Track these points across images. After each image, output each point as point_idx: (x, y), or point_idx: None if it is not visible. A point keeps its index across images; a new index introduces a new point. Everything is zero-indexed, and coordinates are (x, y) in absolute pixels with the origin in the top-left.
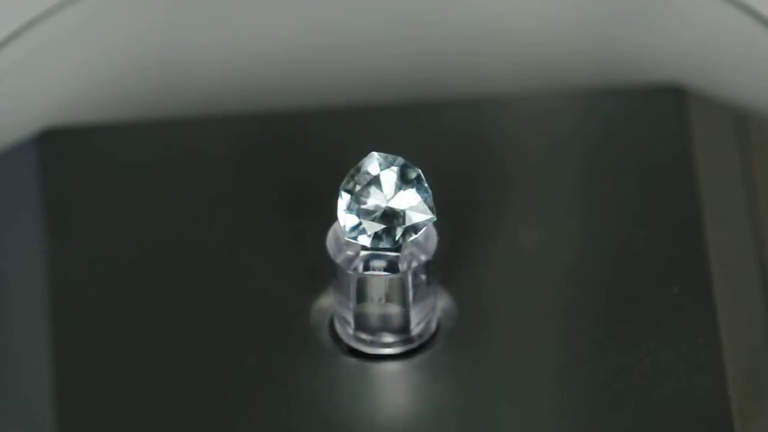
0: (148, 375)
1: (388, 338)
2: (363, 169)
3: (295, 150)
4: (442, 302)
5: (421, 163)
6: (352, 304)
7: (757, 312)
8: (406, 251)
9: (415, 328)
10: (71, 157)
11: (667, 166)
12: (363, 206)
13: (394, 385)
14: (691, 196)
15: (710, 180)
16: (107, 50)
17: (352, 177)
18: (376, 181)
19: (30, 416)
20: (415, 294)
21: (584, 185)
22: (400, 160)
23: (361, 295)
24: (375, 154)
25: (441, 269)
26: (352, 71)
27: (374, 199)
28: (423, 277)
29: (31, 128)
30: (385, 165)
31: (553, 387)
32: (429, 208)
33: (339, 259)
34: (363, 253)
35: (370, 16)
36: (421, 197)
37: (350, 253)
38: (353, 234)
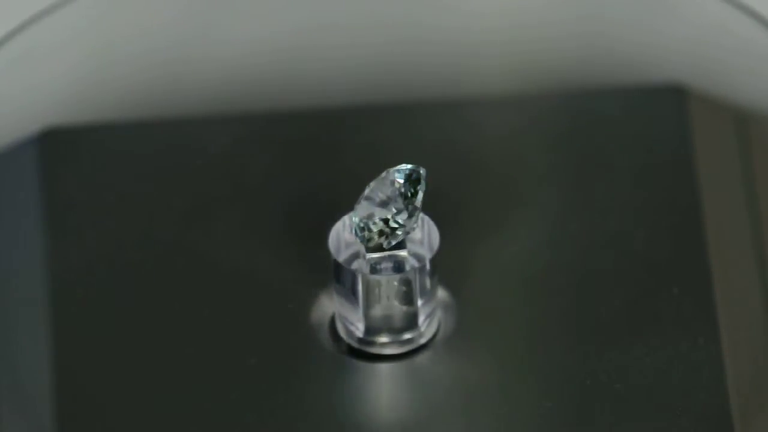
0: (148, 375)
1: (399, 337)
2: (401, 176)
3: (295, 150)
4: (442, 302)
5: (421, 162)
6: (361, 307)
7: (757, 312)
8: (411, 249)
9: (398, 335)
10: (71, 157)
11: (667, 166)
12: (374, 199)
13: (394, 385)
14: (691, 196)
15: (710, 180)
16: (107, 50)
17: (391, 173)
18: (397, 191)
19: (30, 416)
20: (410, 297)
21: (584, 185)
22: (421, 191)
23: (370, 297)
24: (423, 175)
25: (442, 269)
26: (352, 71)
27: (379, 209)
28: (426, 276)
29: (31, 128)
30: (408, 186)
31: (553, 387)
32: (385, 243)
33: (341, 259)
34: (369, 255)
35: (369, 17)
36: (394, 233)
37: (352, 252)
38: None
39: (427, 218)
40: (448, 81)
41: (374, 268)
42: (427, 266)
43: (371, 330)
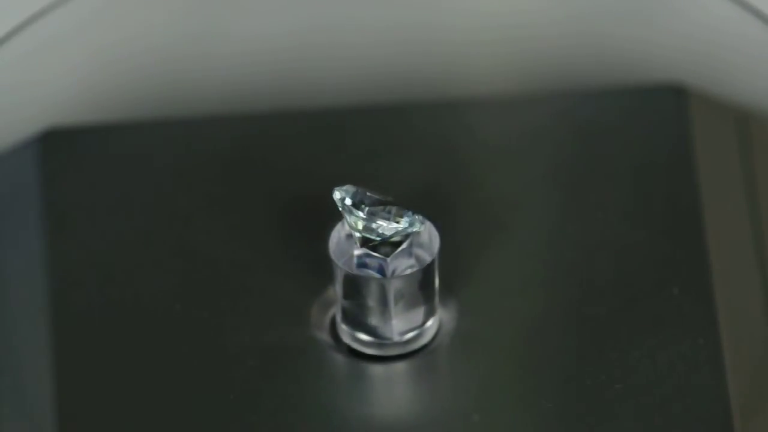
0: (148, 375)
1: (399, 338)
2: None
3: (295, 150)
4: (442, 303)
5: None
6: (360, 308)
7: (757, 312)
8: (410, 251)
9: (402, 335)
10: (71, 157)
11: (667, 166)
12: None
13: (394, 385)
14: (691, 196)
15: (710, 180)
16: (107, 50)
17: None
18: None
19: (30, 416)
20: (410, 297)
21: (584, 185)
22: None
23: (348, 291)
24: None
25: (442, 270)
26: (352, 71)
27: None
28: (426, 278)
29: (32, 128)
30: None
31: (554, 387)
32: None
33: (341, 260)
34: (357, 252)
35: (369, 17)
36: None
37: (352, 253)
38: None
39: (427, 221)
40: (448, 81)
41: (374, 270)
42: (428, 268)
43: (371, 331)
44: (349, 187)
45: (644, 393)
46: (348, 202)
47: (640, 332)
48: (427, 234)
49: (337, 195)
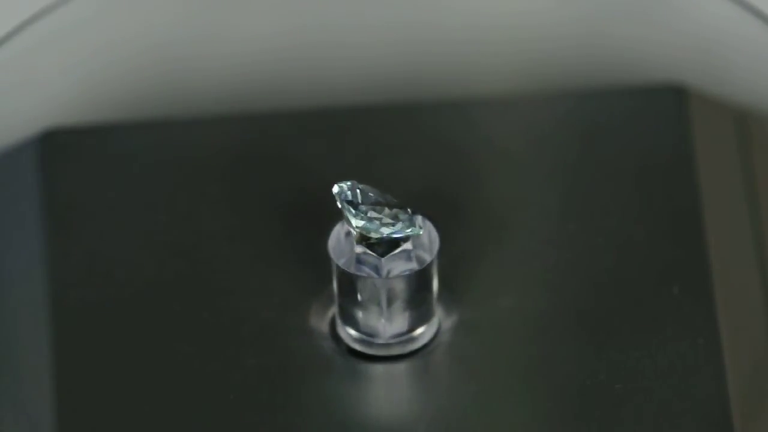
0: (148, 375)
1: (399, 338)
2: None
3: (295, 150)
4: (442, 303)
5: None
6: (360, 308)
7: (757, 312)
8: (410, 253)
9: (397, 336)
10: (71, 157)
11: (667, 166)
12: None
13: (393, 385)
14: (691, 196)
15: (710, 180)
16: (107, 50)
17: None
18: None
19: (30, 416)
20: (407, 299)
21: (584, 185)
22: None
23: (345, 289)
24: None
25: (442, 270)
26: (353, 71)
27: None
28: (426, 278)
29: (32, 128)
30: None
31: (554, 387)
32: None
33: (340, 260)
34: (356, 250)
35: (369, 17)
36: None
37: (351, 253)
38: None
39: (428, 222)
40: (448, 81)
41: (370, 269)
42: (425, 270)
43: (367, 330)
44: (350, 183)
45: (644, 393)
46: (346, 197)
47: (640, 332)
48: (427, 236)
49: (336, 190)
